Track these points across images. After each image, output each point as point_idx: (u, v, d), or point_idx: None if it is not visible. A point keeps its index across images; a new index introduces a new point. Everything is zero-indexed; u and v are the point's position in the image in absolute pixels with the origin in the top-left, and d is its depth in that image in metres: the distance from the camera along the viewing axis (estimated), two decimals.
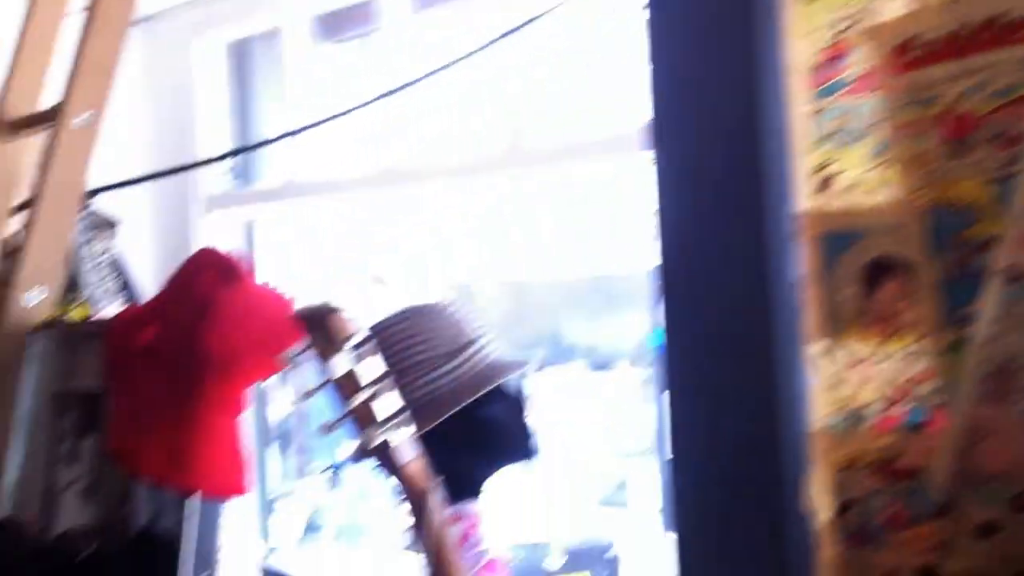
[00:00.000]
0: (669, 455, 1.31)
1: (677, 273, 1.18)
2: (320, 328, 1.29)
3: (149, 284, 3.20)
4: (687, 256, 1.18)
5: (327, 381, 1.34)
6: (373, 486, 1.84)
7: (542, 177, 2.54)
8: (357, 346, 1.29)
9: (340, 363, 1.28)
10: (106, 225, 2.74)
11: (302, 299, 1.60)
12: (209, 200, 3.23)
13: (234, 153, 2.99)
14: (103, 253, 2.63)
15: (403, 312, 1.75)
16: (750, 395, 1.15)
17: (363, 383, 1.29)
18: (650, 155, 1.13)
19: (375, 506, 1.81)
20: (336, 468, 1.82)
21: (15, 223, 2.20)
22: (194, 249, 3.23)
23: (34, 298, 1.91)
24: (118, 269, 2.84)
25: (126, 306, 2.82)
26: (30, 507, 1.84)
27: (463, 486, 1.65)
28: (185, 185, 3.16)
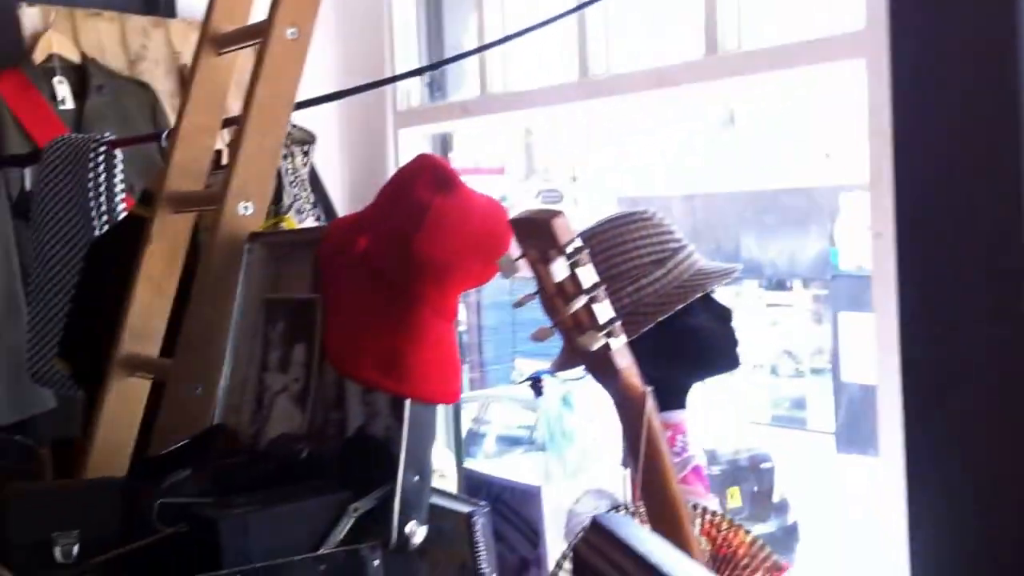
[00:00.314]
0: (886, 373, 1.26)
1: (916, 179, 1.12)
2: (541, 233, 1.28)
3: (342, 199, 3.28)
4: (928, 160, 1.12)
5: (541, 287, 1.34)
6: (575, 395, 1.83)
7: (738, 87, 2.46)
8: (575, 252, 1.28)
9: (560, 268, 1.27)
10: (304, 140, 2.80)
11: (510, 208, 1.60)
12: (402, 114, 3.26)
13: (427, 68, 3.00)
14: (301, 168, 2.69)
15: (608, 220, 1.74)
16: (997, 306, 1.09)
17: (583, 288, 1.28)
18: (886, 54, 1.07)
19: (576, 415, 1.81)
20: (537, 377, 1.82)
21: (224, 138, 2.26)
22: (387, 164, 3.30)
23: (245, 210, 1.96)
24: (314, 184, 2.91)
25: (333, 217, 2.89)
26: (243, 413, 1.91)
27: (667, 394, 1.64)
28: (378, 100, 3.20)
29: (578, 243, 1.28)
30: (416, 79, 3.19)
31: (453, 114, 3.19)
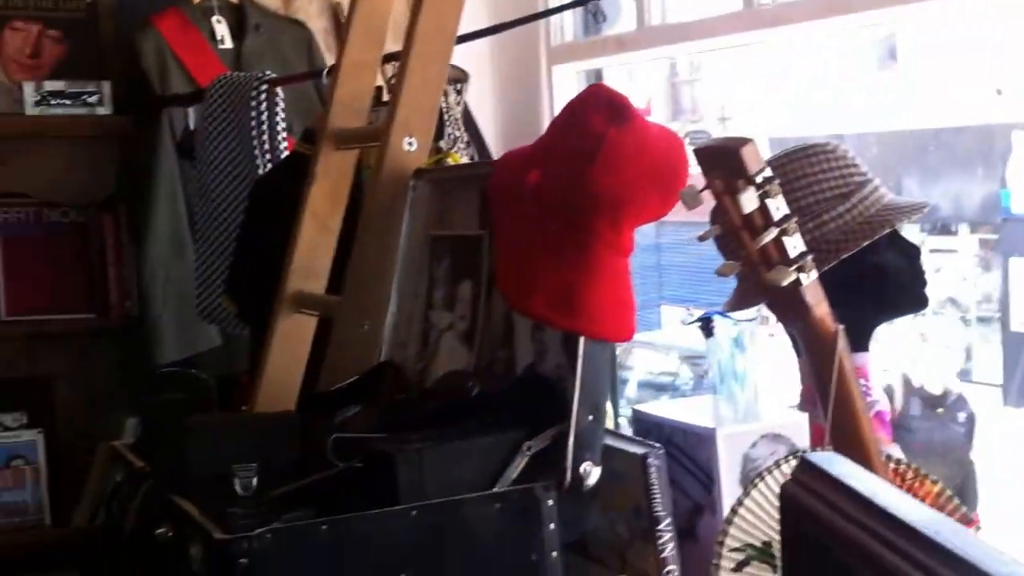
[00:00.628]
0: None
1: None
2: (729, 162, 1.21)
3: (495, 138, 3.24)
4: None
5: (724, 219, 1.28)
6: (747, 336, 1.77)
7: (913, 14, 2.33)
8: (765, 181, 1.21)
9: (749, 199, 1.21)
10: (457, 79, 2.76)
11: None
12: (556, 50, 3.20)
13: (580, 3, 2.92)
14: (454, 106, 2.66)
15: (788, 153, 1.66)
16: None
17: (774, 220, 1.21)
18: None
19: (748, 357, 1.75)
20: (708, 318, 1.76)
21: (387, 72, 2.24)
22: (541, 102, 3.24)
23: (409, 146, 1.93)
24: (468, 122, 2.88)
25: (487, 156, 2.86)
26: (408, 350, 1.90)
27: (849, 336, 1.57)
28: (531, 36, 3.14)
29: (768, 172, 1.21)
30: (571, 13, 3.12)
31: (608, 49, 3.11)
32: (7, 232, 2.94)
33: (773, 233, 1.21)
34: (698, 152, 1.29)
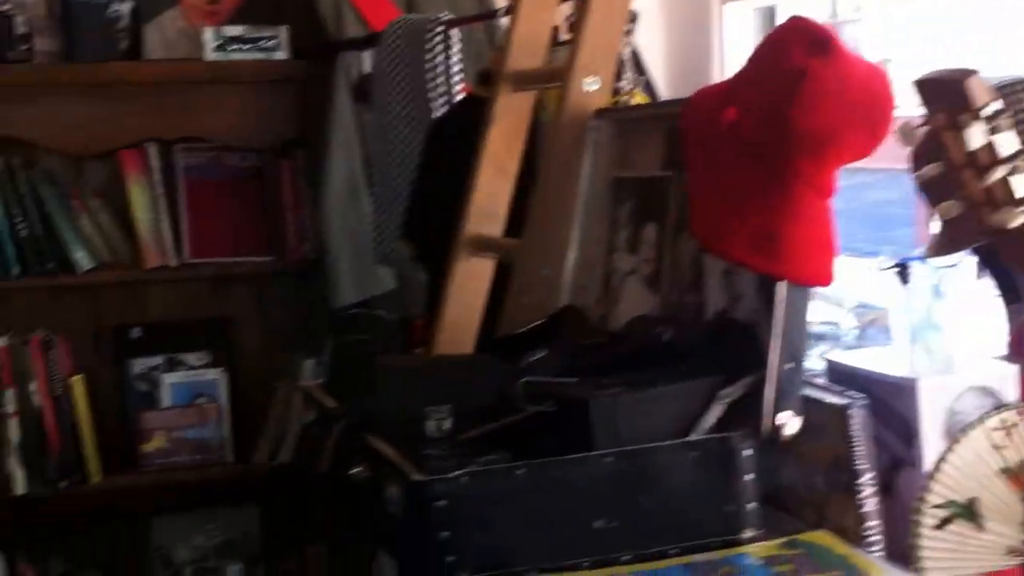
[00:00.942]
0: None
1: None
2: (952, 95, 1.14)
3: (665, 80, 3.17)
4: None
5: (945, 157, 1.21)
6: (947, 282, 1.68)
7: None
8: (994, 116, 1.14)
9: (976, 135, 1.13)
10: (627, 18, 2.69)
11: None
12: None
13: None
14: (623, 46, 2.60)
15: (997, 87, 1.56)
16: None
17: (1002, 157, 1.14)
18: None
19: (947, 305, 1.65)
20: (904, 264, 1.67)
21: (563, 11, 2.20)
22: (711, 42, 3.16)
23: (590, 85, 1.89)
24: (637, 64, 2.82)
25: (656, 98, 2.80)
26: (590, 294, 1.87)
27: None
28: None
29: (999, 105, 1.13)
30: None
31: None
32: (190, 175, 3.02)
33: (1003, 170, 1.14)
34: (919, 84, 1.22)
